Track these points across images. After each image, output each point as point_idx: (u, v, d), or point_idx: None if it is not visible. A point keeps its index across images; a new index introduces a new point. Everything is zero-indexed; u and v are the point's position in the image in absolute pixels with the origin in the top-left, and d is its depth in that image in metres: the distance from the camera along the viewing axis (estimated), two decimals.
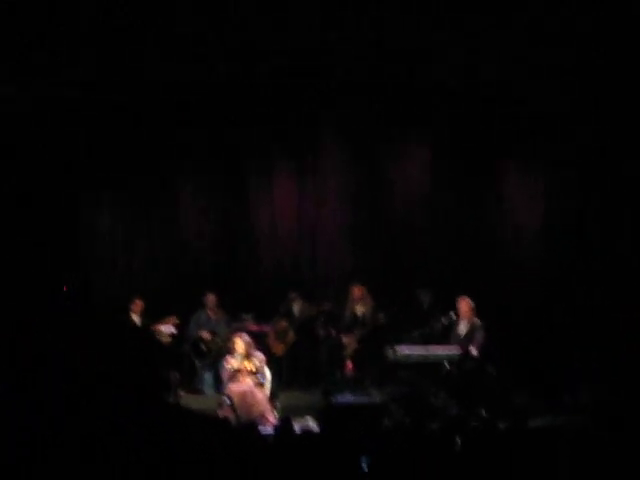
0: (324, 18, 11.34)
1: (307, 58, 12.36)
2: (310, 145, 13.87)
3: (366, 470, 5.97)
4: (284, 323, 12.75)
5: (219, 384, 12.36)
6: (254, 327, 12.56)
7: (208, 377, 12.62)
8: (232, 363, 11.49)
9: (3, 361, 5.35)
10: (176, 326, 12.50)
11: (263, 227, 13.97)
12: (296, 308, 12.91)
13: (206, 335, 12.63)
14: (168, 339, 12.52)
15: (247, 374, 11.43)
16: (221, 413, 10.80)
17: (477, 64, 12.43)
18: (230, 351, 11.65)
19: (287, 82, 13.06)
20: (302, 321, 12.79)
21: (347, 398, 11.39)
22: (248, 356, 11.49)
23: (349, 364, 12.38)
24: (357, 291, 12.53)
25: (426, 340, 11.33)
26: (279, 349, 12.51)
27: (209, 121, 13.53)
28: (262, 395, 11.27)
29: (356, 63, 12.64)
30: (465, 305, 11.40)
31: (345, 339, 12.40)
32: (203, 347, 12.62)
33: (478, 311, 11.41)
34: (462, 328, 11.39)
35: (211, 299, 12.79)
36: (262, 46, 11.99)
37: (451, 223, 13.54)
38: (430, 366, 10.96)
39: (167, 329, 12.46)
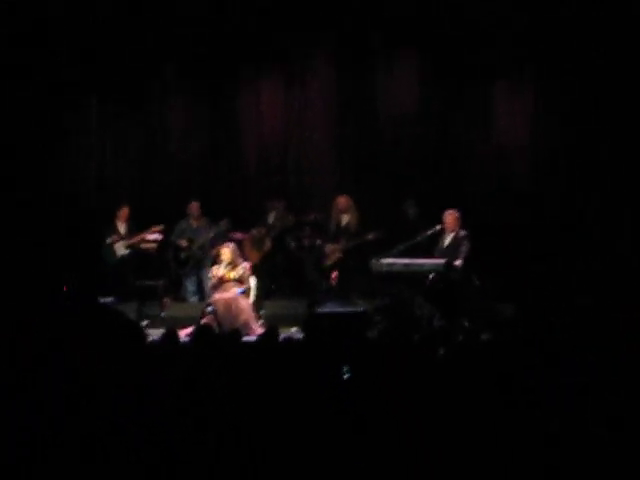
0: None
1: None
2: (297, 52, 13.68)
3: (347, 378, 5.99)
4: (262, 231, 12.71)
5: (201, 292, 12.43)
6: (239, 235, 12.56)
7: (190, 285, 12.66)
8: (217, 272, 11.51)
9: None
10: (161, 233, 12.50)
11: (249, 136, 13.85)
12: (272, 217, 12.86)
13: (183, 243, 12.60)
14: (154, 247, 12.55)
15: (232, 283, 11.46)
16: (204, 321, 10.86)
17: None
18: (216, 260, 11.66)
19: None
20: (279, 230, 12.76)
21: (332, 308, 11.45)
22: (234, 265, 11.51)
23: (334, 275, 12.40)
24: (342, 201, 12.50)
25: (411, 252, 11.36)
26: (254, 257, 12.43)
27: (197, 25, 13.27)
28: (246, 304, 11.32)
29: None
30: (450, 217, 11.38)
31: (329, 249, 12.41)
32: (181, 255, 12.62)
33: (463, 223, 11.41)
34: (447, 240, 11.39)
35: (194, 207, 12.73)
36: None
37: (439, 133, 13.45)
38: (414, 278, 10.98)
39: (152, 236, 12.48)
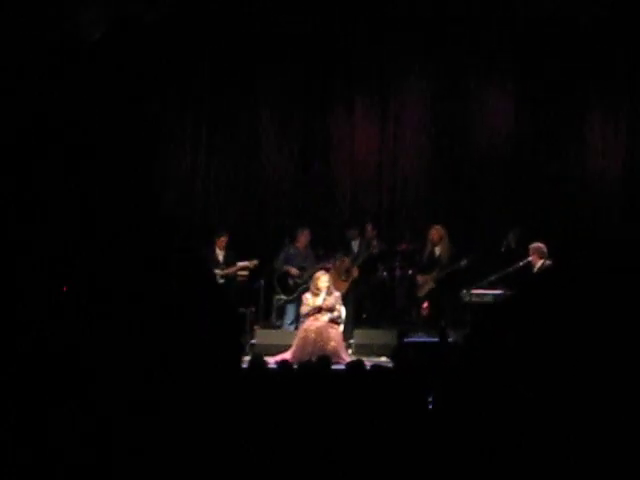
0: None
1: None
2: (392, 81, 13.78)
3: (431, 407, 5.94)
4: (345, 261, 12.65)
5: (298, 321, 12.36)
6: (326, 265, 12.47)
7: (290, 312, 12.55)
8: (312, 300, 11.49)
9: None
10: (254, 266, 12.51)
11: (342, 165, 13.90)
12: (355, 245, 12.83)
13: (294, 271, 12.55)
14: (245, 274, 12.57)
15: (325, 311, 11.45)
16: (293, 350, 10.90)
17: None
18: (313, 287, 11.62)
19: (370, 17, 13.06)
20: (364, 258, 12.69)
21: (422, 338, 11.40)
22: (329, 293, 11.50)
23: (425, 305, 12.33)
24: (435, 232, 12.40)
25: (503, 283, 11.29)
26: (341, 287, 12.25)
27: (291, 56, 13.49)
28: (336, 332, 11.30)
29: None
30: (531, 249, 11.33)
31: (421, 279, 12.34)
32: (290, 282, 12.58)
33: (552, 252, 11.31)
34: (534, 271, 11.30)
35: (305, 235, 12.67)
36: None
37: (534, 163, 13.36)
38: None
39: (244, 264, 12.50)
